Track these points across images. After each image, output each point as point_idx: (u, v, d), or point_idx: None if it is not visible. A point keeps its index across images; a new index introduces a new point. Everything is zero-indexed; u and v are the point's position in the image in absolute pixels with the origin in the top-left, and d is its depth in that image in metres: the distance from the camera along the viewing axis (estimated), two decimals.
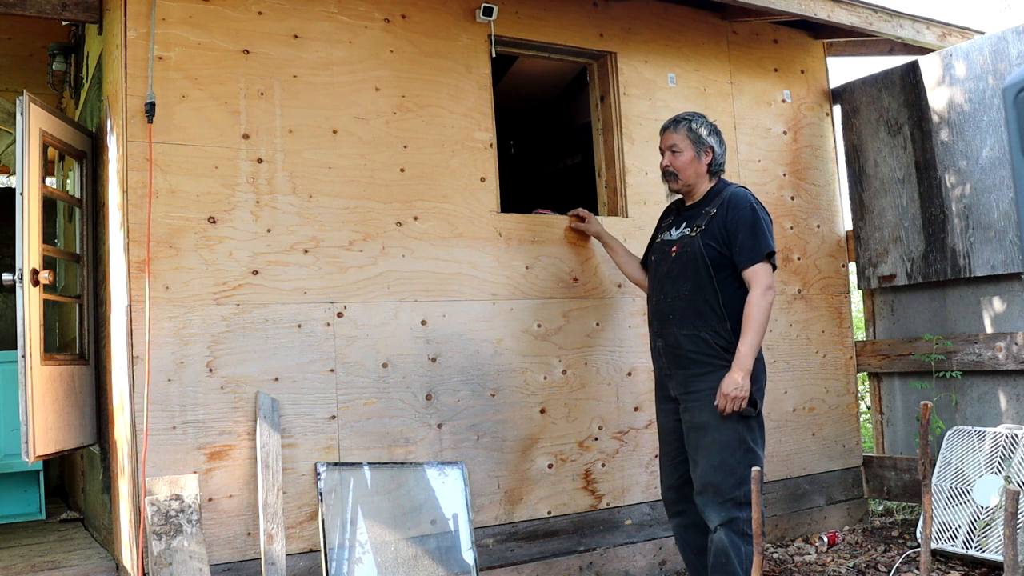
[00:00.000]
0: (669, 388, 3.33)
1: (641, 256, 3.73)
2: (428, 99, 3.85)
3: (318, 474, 3.43)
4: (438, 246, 3.80)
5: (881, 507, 5.16)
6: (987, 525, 3.92)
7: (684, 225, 3.34)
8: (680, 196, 3.47)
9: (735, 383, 3.04)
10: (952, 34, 5.00)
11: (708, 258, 3.18)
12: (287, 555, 3.33)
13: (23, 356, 3.30)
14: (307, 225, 3.54)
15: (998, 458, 4.03)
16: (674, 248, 3.31)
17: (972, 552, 3.93)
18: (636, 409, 4.17)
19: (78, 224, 4.13)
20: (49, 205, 4.93)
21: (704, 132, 3.35)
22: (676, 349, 3.25)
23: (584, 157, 5.80)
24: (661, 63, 4.50)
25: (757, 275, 3.14)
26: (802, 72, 5.01)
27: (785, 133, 4.89)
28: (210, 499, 3.26)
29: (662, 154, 3.43)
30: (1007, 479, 3.93)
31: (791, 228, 4.82)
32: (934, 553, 4.09)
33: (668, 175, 3.39)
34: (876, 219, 4.95)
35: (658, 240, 3.48)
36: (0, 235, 6.57)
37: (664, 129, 3.44)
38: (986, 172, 4.42)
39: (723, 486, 3.07)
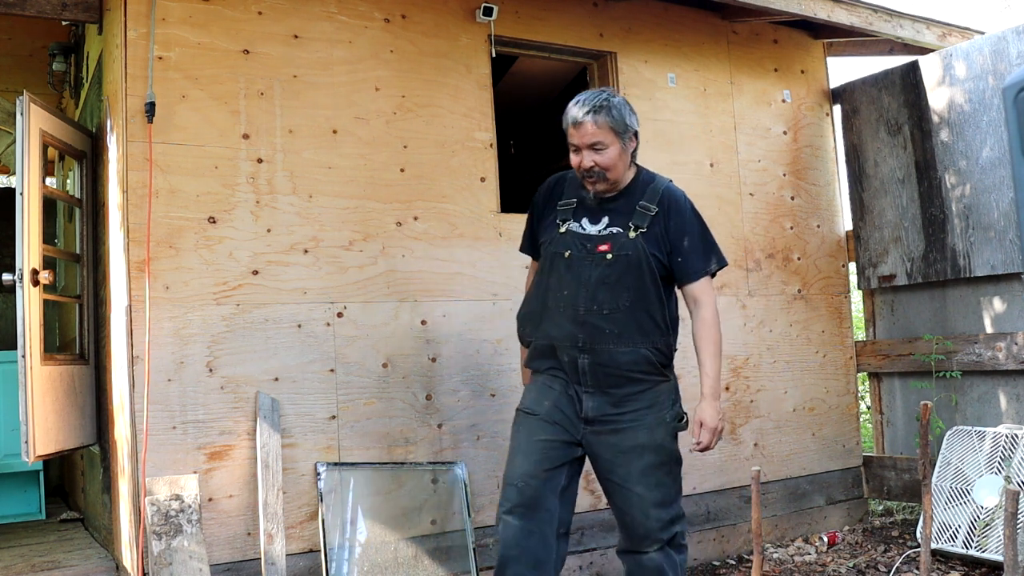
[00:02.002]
0: (581, 408, 2.76)
1: (522, 245, 3.11)
2: (428, 99, 3.85)
3: (318, 474, 3.42)
4: (438, 246, 3.80)
5: (881, 507, 5.16)
6: (987, 525, 3.92)
7: (608, 220, 2.79)
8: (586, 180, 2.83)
9: (717, 413, 2.74)
10: (952, 34, 5.00)
11: (654, 267, 2.74)
12: (287, 555, 3.33)
13: (23, 356, 3.30)
14: (307, 225, 3.54)
15: (998, 458, 4.03)
16: (603, 247, 2.75)
17: (972, 552, 3.93)
18: None
19: (78, 224, 4.13)
20: (49, 205, 4.92)
21: (627, 113, 2.77)
22: (608, 367, 2.73)
23: None
24: (661, 63, 4.50)
25: (706, 291, 2.79)
26: (802, 72, 5.01)
27: (785, 133, 4.89)
28: (210, 499, 3.26)
29: (575, 152, 2.75)
30: (1007, 479, 3.93)
31: (791, 228, 4.82)
32: (934, 553, 4.09)
33: (593, 176, 2.75)
34: (876, 219, 4.95)
35: (563, 231, 2.84)
36: (0, 235, 6.56)
37: (576, 122, 2.72)
38: (986, 172, 4.42)
39: (666, 511, 2.78)
